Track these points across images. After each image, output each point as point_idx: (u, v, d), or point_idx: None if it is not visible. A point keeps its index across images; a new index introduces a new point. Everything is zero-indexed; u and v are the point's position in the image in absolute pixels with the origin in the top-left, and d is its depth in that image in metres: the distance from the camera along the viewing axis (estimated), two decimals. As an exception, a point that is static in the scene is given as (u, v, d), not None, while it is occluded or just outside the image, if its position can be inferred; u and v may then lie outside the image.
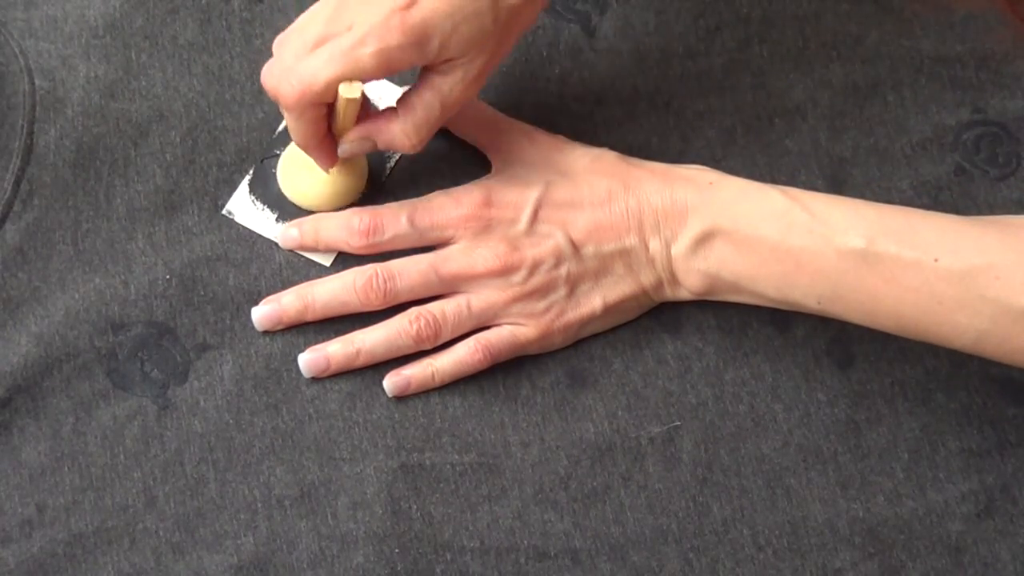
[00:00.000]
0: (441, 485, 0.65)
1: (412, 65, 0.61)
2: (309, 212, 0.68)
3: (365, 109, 0.64)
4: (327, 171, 0.67)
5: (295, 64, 0.60)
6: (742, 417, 0.67)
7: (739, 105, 0.71)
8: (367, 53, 0.59)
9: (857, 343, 0.68)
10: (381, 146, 0.65)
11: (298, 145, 0.65)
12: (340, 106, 0.62)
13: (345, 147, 0.65)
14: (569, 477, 0.66)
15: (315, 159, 0.66)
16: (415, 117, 0.63)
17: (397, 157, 0.70)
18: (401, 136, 0.64)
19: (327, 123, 0.64)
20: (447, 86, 0.62)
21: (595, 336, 0.68)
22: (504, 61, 0.71)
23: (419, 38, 0.59)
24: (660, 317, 0.68)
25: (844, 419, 0.67)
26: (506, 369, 0.67)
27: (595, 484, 0.66)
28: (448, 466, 0.66)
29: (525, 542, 0.65)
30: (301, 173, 0.68)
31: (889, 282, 0.59)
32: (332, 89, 0.60)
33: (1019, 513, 0.66)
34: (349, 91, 0.60)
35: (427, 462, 0.65)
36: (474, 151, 0.70)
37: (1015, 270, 0.57)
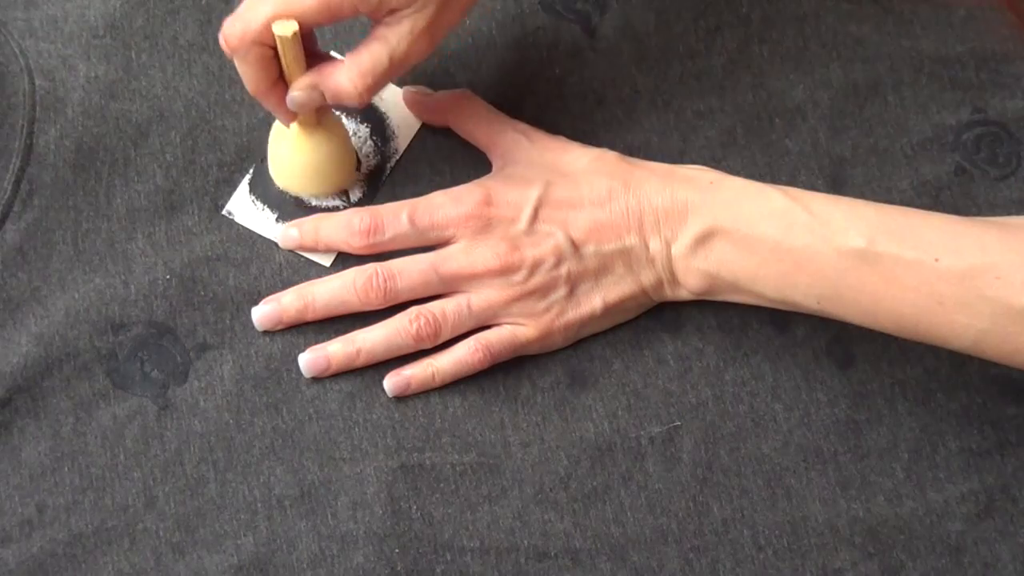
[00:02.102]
0: (441, 485, 0.65)
1: (355, 13, 0.60)
2: (301, 204, 0.68)
3: (318, 59, 0.64)
4: (287, 125, 0.66)
5: (242, 10, 0.60)
6: (742, 417, 0.67)
7: (739, 105, 0.71)
8: None
9: (857, 343, 0.68)
10: (329, 96, 0.63)
11: (251, 93, 0.63)
12: (279, 47, 0.61)
13: (293, 95, 0.63)
14: (569, 477, 0.66)
15: (272, 110, 0.64)
16: (361, 63, 0.62)
17: (397, 157, 0.70)
18: (347, 83, 0.62)
19: (275, 68, 0.63)
20: (395, 38, 0.61)
21: (595, 336, 0.68)
22: (504, 61, 0.71)
23: None
24: (660, 317, 0.68)
25: (844, 419, 0.67)
26: (506, 369, 0.67)
27: (595, 484, 0.66)
28: (448, 466, 0.66)
29: (525, 542, 0.65)
30: (283, 154, 0.67)
31: (889, 282, 0.59)
32: (270, 28, 0.60)
33: (1019, 513, 0.66)
34: (282, 28, 0.60)
35: (427, 462, 0.65)
36: (474, 151, 0.70)
37: (1015, 270, 0.57)
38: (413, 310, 0.65)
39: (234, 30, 0.60)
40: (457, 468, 0.66)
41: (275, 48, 0.62)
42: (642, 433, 0.67)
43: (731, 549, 0.65)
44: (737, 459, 0.66)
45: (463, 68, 0.71)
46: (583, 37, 0.72)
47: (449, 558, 0.64)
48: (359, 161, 0.70)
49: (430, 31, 0.62)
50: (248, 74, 0.62)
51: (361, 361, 0.65)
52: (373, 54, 0.62)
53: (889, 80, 0.72)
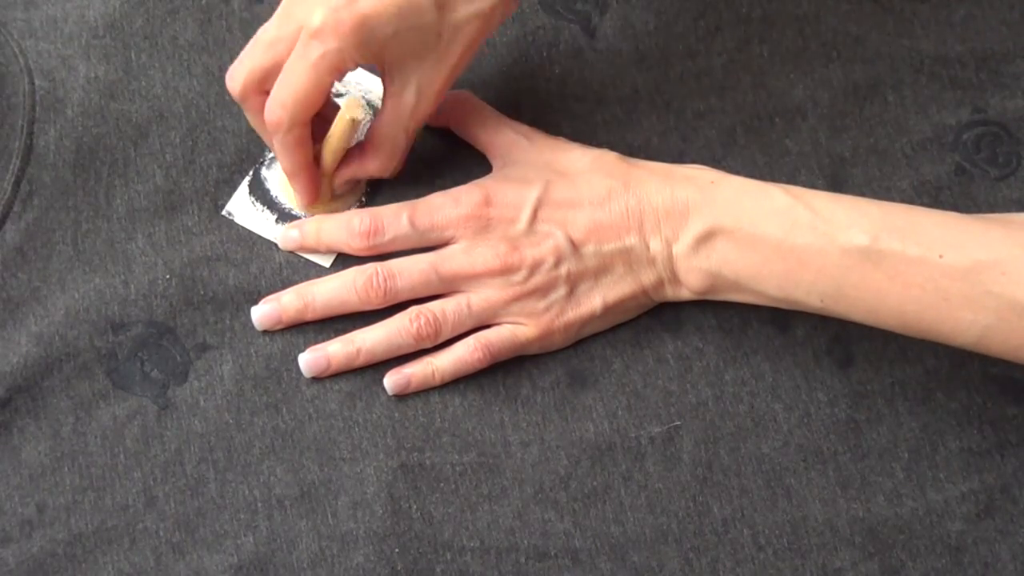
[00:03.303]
0: (441, 485, 0.65)
1: (356, 64, 0.62)
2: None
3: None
4: (308, 206, 0.68)
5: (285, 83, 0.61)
6: (742, 417, 0.67)
7: (739, 105, 0.71)
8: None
9: (857, 343, 0.68)
10: (363, 177, 0.68)
11: (287, 171, 0.65)
12: (340, 128, 0.64)
13: (338, 194, 0.68)
14: (569, 477, 0.66)
15: (299, 189, 0.66)
16: (384, 151, 0.66)
17: (397, 157, 0.70)
18: (378, 172, 0.67)
19: (311, 146, 0.65)
20: (407, 107, 0.64)
21: (595, 336, 0.68)
22: (504, 61, 0.71)
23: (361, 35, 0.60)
24: (660, 317, 0.68)
25: (844, 419, 0.67)
26: (506, 369, 0.67)
27: (595, 484, 0.66)
28: (448, 466, 0.66)
29: (525, 542, 0.65)
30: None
31: (893, 279, 0.59)
32: (320, 101, 0.62)
33: (1019, 513, 0.66)
34: (353, 110, 0.63)
35: (427, 462, 0.65)
36: (474, 151, 0.70)
37: (1021, 265, 0.57)
38: (413, 309, 0.65)
39: (285, 105, 0.62)
40: (457, 468, 0.66)
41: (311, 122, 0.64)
42: (642, 433, 0.67)
43: (731, 549, 0.65)
44: (737, 459, 0.66)
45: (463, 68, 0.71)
46: (583, 37, 0.72)
47: (449, 558, 0.64)
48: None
49: (439, 93, 0.64)
50: (288, 154, 0.64)
51: (361, 361, 0.65)
52: (391, 135, 0.65)
53: (889, 80, 0.72)
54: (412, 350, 0.66)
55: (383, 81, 0.64)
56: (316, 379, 0.66)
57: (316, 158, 0.66)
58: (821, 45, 0.72)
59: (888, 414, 0.67)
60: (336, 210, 0.68)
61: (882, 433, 0.67)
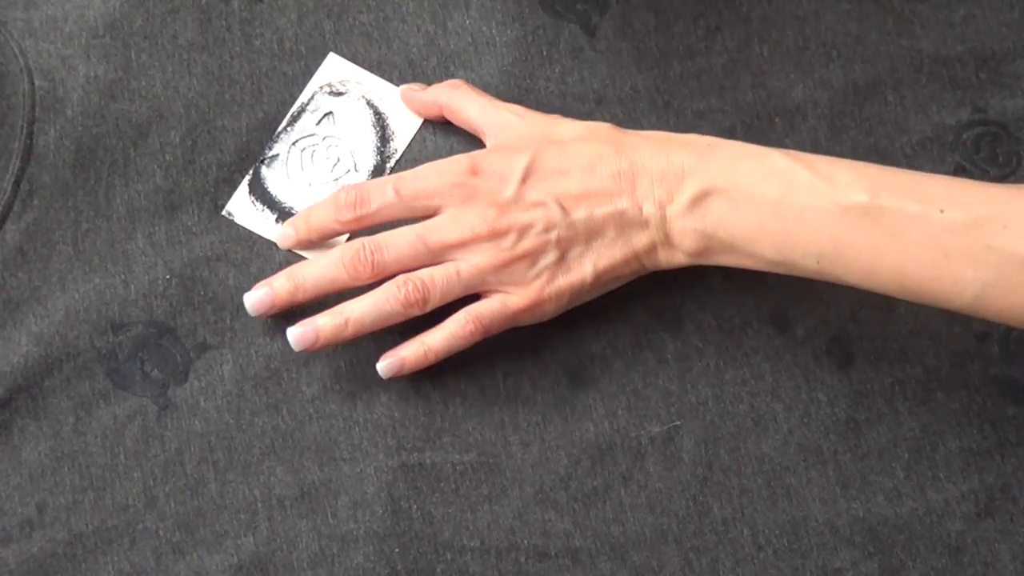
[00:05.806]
0: (441, 485, 0.65)
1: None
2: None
3: None
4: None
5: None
6: (742, 417, 0.67)
7: (739, 105, 0.71)
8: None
9: (857, 343, 0.68)
10: None
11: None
12: None
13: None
14: (569, 477, 0.66)
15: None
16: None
17: (397, 157, 0.70)
18: None
19: None
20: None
21: (595, 336, 0.67)
22: (504, 61, 0.71)
23: None
24: (660, 317, 0.68)
25: (844, 419, 0.67)
26: (506, 368, 0.67)
27: (595, 484, 0.66)
28: (448, 466, 0.66)
29: (525, 542, 0.65)
30: None
31: (893, 236, 0.58)
32: None
33: (1019, 513, 0.66)
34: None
35: (427, 462, 0.65)
36: (474, 150, 0.70)
37: (1022, 219, 0.57)
38: (401, 277, 0.64)
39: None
40: (457, 468, 0.66)
41: None
42: (642, 433, 0.67)
43: (731, 549, 0.65)
44: (737, 459, 0.66)
45: (463, 68, 0.71)
46: (583, 37, 0.72)
47: (449, 558, 0.64)
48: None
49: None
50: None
51: (350, 331, 0.64)
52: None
53: (889, 80, 0.72)
54: (402, 319, 0.64)
55: None
56: (316, 379, 0.66)
57: None
58: (821, 45, 0.72)
59: (888, 414, 0.67)
60: None
61: (882, 433, 0.67)
